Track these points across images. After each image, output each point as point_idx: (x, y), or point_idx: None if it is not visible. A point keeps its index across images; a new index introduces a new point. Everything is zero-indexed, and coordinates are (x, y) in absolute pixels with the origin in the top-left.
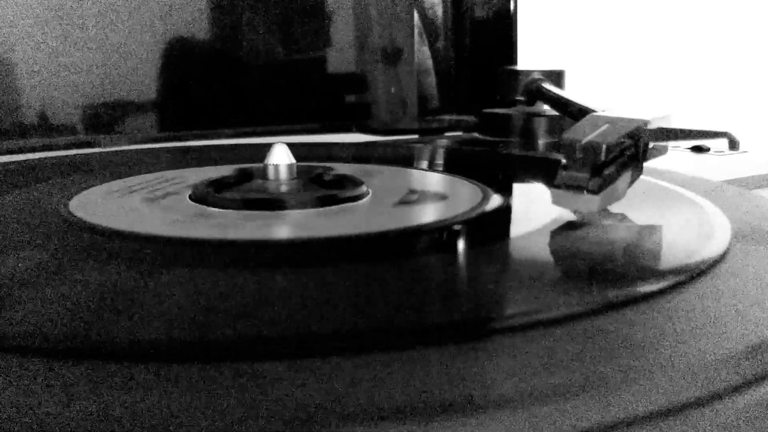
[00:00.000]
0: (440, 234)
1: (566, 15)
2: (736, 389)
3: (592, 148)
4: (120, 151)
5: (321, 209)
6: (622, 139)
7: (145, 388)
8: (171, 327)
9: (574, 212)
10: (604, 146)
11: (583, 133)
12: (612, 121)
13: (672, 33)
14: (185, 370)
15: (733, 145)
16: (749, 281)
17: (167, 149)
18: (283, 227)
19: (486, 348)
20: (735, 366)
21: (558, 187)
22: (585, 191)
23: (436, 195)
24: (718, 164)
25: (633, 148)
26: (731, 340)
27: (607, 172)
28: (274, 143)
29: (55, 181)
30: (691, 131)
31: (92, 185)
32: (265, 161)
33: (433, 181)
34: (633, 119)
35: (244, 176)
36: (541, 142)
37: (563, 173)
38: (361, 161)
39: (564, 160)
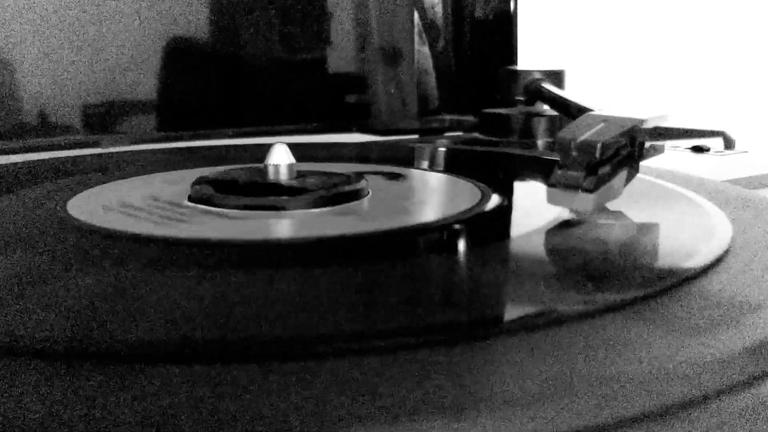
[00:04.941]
0: (438, 234)
1: (566, 15)
2: (734, 390)
3: (587, 146)
4: (120, 151)
5: (321, 209)
6: (618, 138)
7: (143, 389)
8: (169, 329)
9: (571, 211)
10: (599, 145)
11: (579, 132)
12: (608, 120)
13: (672, 33)
14: (183, 371)
15: (729, 144)
16: (749, 282)
17: (167, 149)
18: (282, 227)
19: (483, 349)
20: (733, 367)
21: (553, 185)
22: (580, 190)
23: (435, 195)
24: (717, 164)
25: (629, 147)
26: (730, 340)
27: (602, 171)
28: (274, 143)
29: (55, 181)
30: (687, 130)
31: (92, 186)
32: (265, 161)
33: (432, 180)
34: (629, 118)
35: (245, 176)
36: (541, 142)
37: (558, 172)
38: (361, 161)
39: (559, 159)
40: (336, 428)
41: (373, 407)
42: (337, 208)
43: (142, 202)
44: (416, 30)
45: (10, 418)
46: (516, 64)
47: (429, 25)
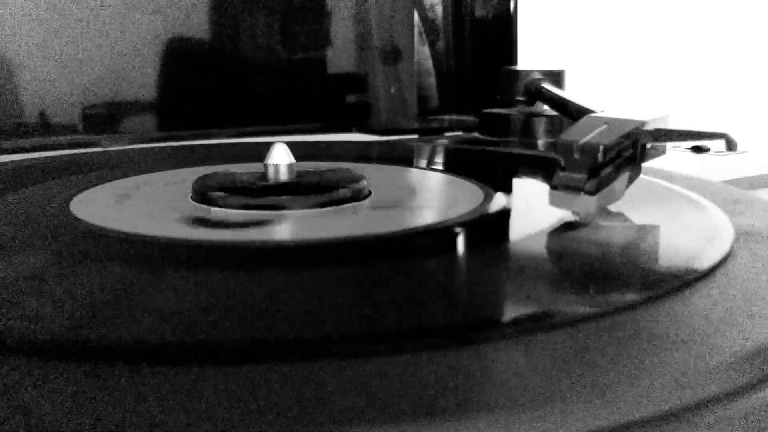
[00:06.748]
0: (441, 236)
1: (566, 15)
2: (737, 393)
3: (589, 149)
4: (120, 151)
5: (321, 210)
6: (620, 140)
7: (145, 389)
8: (170, 329)
9: (573, 213)
10: (601, 147)
11: (581, 134)
12: (609, 122)
13: (672, 33)
14: (184, 372)
15: (731, 146)
16: (751, 284)
17: (167, 149)
18: (283, 228)
19: (484, 351)
20: (736, 370)
21: (555, 187)
22: (582, 192)
23: (436, 195)
24: (718, 164)
25: (631, 148)
26: (732, 344)
27: (604, 173)
28: (274, 143)
29: (55, 181)
30: (688, 132)
31: (92, 185)
32: (265, 161)
33: (434, 180)
34: (630, 120)
35: (246, 176)
36: (541, 142)
37: (560, 174)
38: (361, 161)
39: (561, 161)
40: (336, 428)
41: (373, 408)
42: (339, 208)
43: (142, 202)
44: (416, 30)
45: (10, 418)
46: (516, 64)
47: (429, 25)
